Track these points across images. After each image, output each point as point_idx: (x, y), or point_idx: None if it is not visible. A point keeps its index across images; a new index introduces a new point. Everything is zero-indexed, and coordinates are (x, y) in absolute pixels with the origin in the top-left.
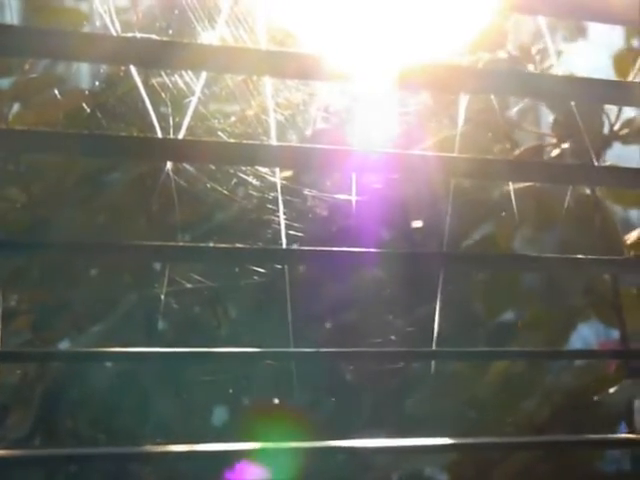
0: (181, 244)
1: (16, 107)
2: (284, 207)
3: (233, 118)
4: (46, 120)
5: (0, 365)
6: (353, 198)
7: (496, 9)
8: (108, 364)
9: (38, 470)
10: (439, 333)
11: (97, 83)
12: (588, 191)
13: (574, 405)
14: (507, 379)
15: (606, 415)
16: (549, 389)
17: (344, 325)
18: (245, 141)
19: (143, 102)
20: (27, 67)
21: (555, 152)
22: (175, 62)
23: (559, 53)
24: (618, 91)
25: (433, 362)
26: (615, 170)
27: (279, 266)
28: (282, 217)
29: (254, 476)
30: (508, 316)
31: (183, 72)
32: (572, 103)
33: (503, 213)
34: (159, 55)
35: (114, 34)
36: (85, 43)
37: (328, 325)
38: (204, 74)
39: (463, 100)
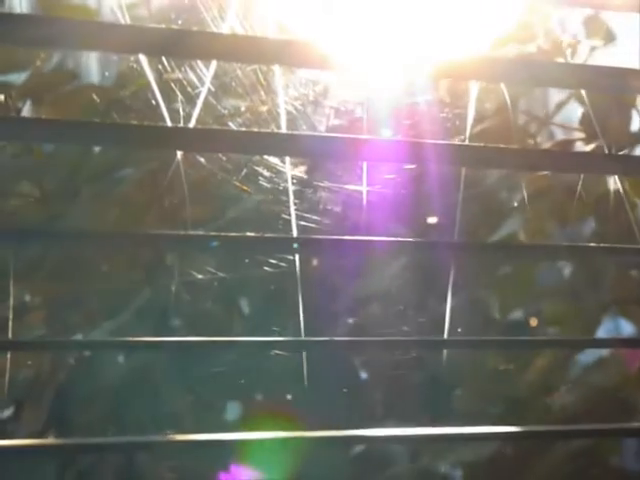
0: (192, 232)
1: (28, 103)
2: (299, 202)
3: (243, 108)
4: (60, 116)
5: (15, 358)
6: (364, 189)
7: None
8: (120, 360)
9: (50, 466)
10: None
11: (107, 74)
12: (611, 186)
13: (603, 401)
14: (545, 376)
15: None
16: (579, 386)
17: (359, 321)
18: (256, 129)
19: (155, 97)
20: (39, 63)
21: (590, 147)
22: (185, 51)
23: (592, 48)
24: (634, 79)
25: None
26: (629, 159)
27: (291, 257)
28: (292, 206)
29: (261, 469)
30: (520, 314)
31: (195, 68)
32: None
33: (515, 203)
34: (170, 44)
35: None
36: (96, 32)
37: (344, 321)
38: (215, 67)
39: (476, 98)
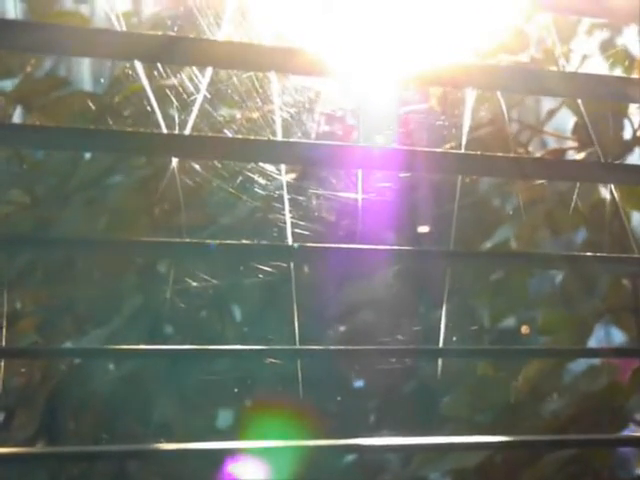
0: (186, 240)
1: (19, 109)
2: (293, 210)
3: (238, 115)
4: (50, 122)
5: (7, 366)
6: (359, 197)
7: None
8: (111, 367)
9: (41, 474)
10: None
11: (102, 80)
12: (604, 195)
13: (594, 409)
14: (535, 384)
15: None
16: (570, 393)
17: (353, 329)
18: (251, 137)
19: (150, 104)
20: (29, 69)
21: (581, 156)
22: (181, 57)
23: (584, 57)
24: (628, 87)
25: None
26: (621, 168)
27: (285, 264)
28: (287, 214)
29: (256, 475)
30: (511, 323)
31: (191, 75)
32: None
33: (509, 212)
34: (165, 51)
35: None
36: (91, 38)
37: (337, 329)
38: (210, 74)
39: (471, 108)
